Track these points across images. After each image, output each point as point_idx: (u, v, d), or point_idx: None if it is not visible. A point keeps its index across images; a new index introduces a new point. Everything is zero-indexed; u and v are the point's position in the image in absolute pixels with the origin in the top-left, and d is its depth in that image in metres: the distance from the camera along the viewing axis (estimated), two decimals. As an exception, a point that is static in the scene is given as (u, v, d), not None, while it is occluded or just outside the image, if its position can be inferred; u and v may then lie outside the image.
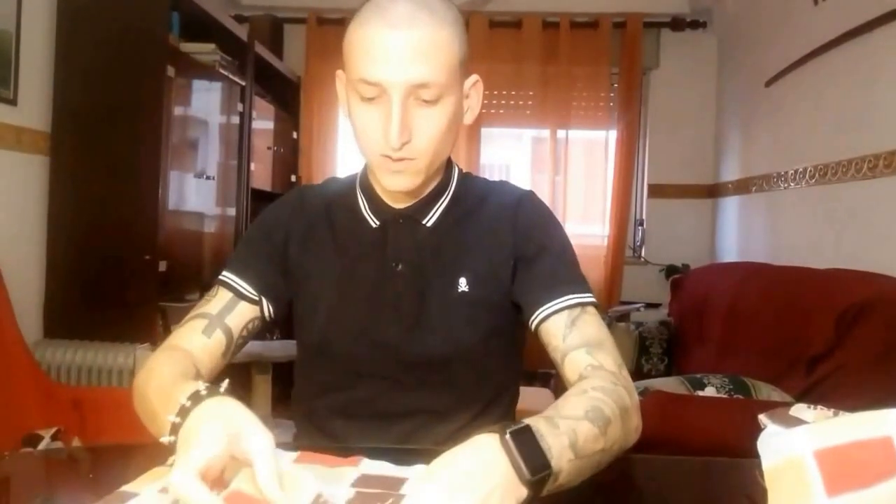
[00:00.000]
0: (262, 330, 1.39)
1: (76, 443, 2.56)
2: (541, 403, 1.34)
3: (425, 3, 1.15)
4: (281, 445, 1.04)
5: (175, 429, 0.94)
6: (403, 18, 1.13)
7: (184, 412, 0.94)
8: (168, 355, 1.23)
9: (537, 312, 1.26)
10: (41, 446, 2.41)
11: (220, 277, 1.33)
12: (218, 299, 1.31)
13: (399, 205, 1.35)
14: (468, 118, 1.31)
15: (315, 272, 1.36)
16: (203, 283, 3.92)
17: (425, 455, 0.95)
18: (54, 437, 2.51)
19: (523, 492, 0.89)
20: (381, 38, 1.13)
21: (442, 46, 1.15)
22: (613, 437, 1.04)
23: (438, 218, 1.35)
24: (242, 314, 1.30)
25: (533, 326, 1.28)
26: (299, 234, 1.38)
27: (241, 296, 1.31)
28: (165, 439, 0.95)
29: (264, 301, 1.33)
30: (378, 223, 1.35)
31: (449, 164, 1.40)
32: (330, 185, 1.48)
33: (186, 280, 3.73)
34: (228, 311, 1.29)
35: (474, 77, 1.29)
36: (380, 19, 1.13)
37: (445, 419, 1.33)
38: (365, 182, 1.39)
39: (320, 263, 1.36)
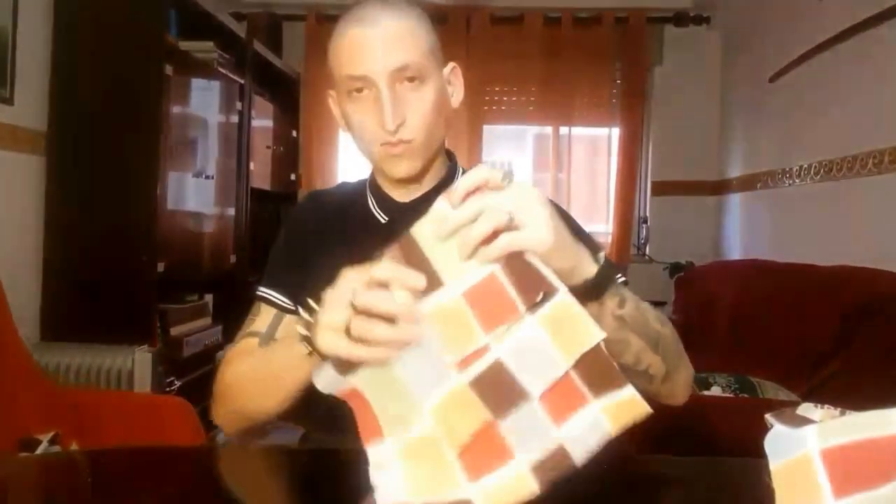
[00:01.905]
0: None
1: (74, 446, 2.53)
2: None
3: (389, 4, 1.30)
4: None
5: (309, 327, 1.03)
6: (372, 17, 1.27)
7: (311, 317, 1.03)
8: (238, 359, 1.31)
9: None
10: (39, 450, 2.40)
11: (259, 294, 1.41)
12: (262, 316, 1.38)
13: (405, 199, 1.43)
14: (455, 101, 1.42)
15: (327, 270, 1.36)
16: (202, 285, 3.92)
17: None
18: (52, 441, 2.49)
19: (587, 266, 1.05)
20: (357, 37, 1.27)
21: (411, 33, 1.28)
22: (672, 338, 1.19)
23: None
24: (287, 327, 1.35)
25: None
26: (315, 235, 1.46)
27: (282, 309, 1.38)
28: (302, 330, 1.04)
29: (299, 309, 1.35)
30: (386, 219, 1.44)
31: (452, 159, 1.49)
32: (341, 188, 1.58)
33: (185, 281, 3.71)
34: (275, 326, 1.36)
35: (451, 64, 1.41)
36: (354, 23, 1.28)
37: None
38: (373, 183, 1.48)
39: (333, 261, 1.36)
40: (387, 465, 0.99)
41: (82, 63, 3.33)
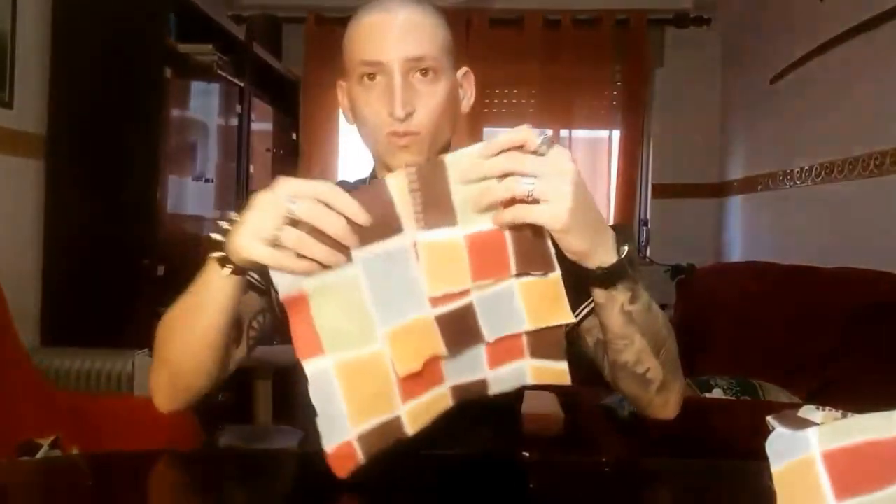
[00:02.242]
0: (272, 331, 1.36)
1: (74, 450, 2.52)
2: (544, 406, 1.39)
3: None
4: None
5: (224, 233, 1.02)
6: (393, 7, 1.26)
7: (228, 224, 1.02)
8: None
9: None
10: (40, 454, 2.40)
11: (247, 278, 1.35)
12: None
13: None
14: (465, 106, 1.41)
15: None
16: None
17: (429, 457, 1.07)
18: (53, 445, 2.48)
19: (605, 254, 1.04)
20: (376, 23, 1.25)
21: (431, 27, 1.28)
22: (674, 348, 1.20)
23: None
24: (250, 303, 1.29)
25: None
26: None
27: (249, 284, 1.27)
28: (217, 235, 1.03)
29: (273, 292, 1.27)
30: None
31: None
32: (340, 185, 1.51)
33: (185, 284, 3.65)
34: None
35: (464, 68, 1.40)
36: (373, 10, 1.27)
37: (447, 418, 1.30)
38: (373, 179, 1.45)
39: None
40: (326, 384, 1.01)
41: (82, 66, 3.32)
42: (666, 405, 1.22)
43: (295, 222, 0.93)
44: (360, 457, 1.04)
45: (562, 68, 5.22)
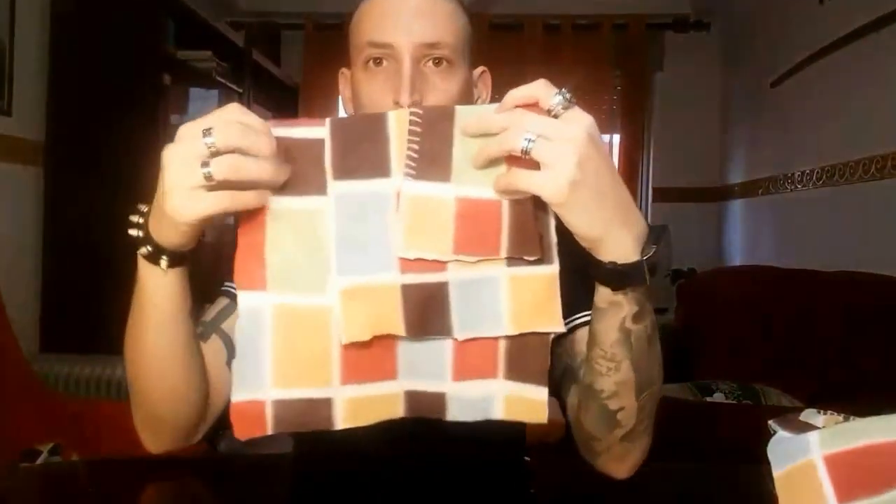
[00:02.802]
0: None
1: (75, 457, 2.52)
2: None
3: None
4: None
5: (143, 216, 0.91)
6: None
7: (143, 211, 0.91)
8: None
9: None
10: (40, 461, 2.40)
11: (222, 288, 1.21)
12: (214, 306, 1.19)
13: None
14: None
15: None
16: (200, 293, 3.89)
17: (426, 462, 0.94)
18: (53, 452, 2.48)
19: (620, 248, 0.87)
20: (389, 2, 1.14)
21: (450, 13, 1.15)
22: (657, 397, 1.01)
23: None
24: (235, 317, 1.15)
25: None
26: None
27: (231, 297, 1.17)
28: (134, 231, 0.92)
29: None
30: None
31: None
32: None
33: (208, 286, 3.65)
34: (224, 315, 1.16)
35: (481, 68, 1.28)
36: None
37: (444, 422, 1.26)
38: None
39: None
40: (257, 324, 0.89)
41: (80, 73, 3.31)
42: (624, 458, 1.04)
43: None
44: (269, 426, 0.90)
45: (562, 73, 5.21)
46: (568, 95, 0.83)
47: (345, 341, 0.87)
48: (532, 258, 0.88)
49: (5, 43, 3.06)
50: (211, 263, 0.96)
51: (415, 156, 0.86)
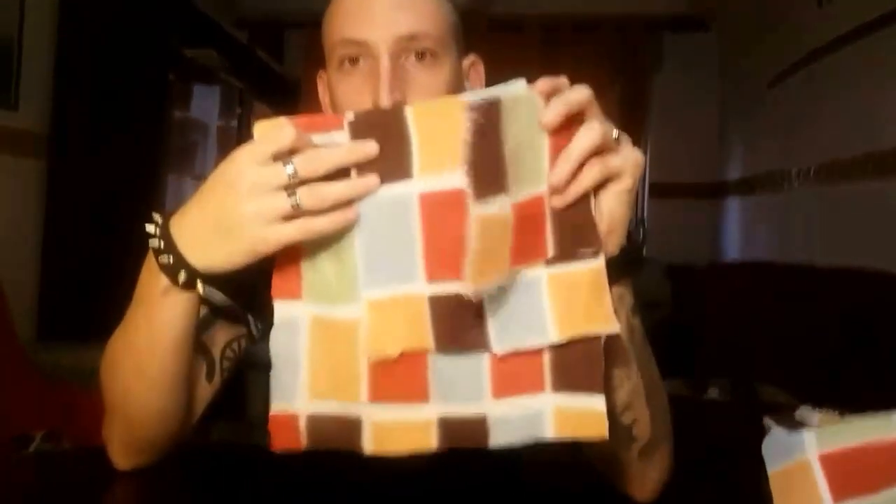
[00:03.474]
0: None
1: (67, 444, 2.53)
2: None
3: None
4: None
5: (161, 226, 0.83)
6: None
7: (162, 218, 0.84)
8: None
9: None
10: (32, 447, 2.40)
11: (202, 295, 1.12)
12: None
13: None
14: None
15: None
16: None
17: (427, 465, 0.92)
18: (45, 438, 2.49)
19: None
20: None
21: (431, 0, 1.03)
22: (664, 402, 0.96)
23: None
24: (221, 332, 1.07)
25: None
26: None
27: (217, 312, 1.07)
28: (154, 239, 0.84)
29: (251, 317, 1.10)
30: None
31: None
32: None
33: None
34: (204, 328, 1.04)
35: (472, 56, 1.16)
36: None
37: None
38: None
39: None
40: (294, 334, 0.83)
41: (86, 69, 3.34)
42: (643, 478, 0.97)
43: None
44: (303, 440, 0.83)
45: (561, 72, 5.12)
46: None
47: (371, 357, 0.81)
48: (591, 250, 0.79)
49: (13, 38, 3.08)
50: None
51: (471, 170, 0.77)
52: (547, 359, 0.81)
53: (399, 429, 0.83)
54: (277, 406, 0.83)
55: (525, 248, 0.79)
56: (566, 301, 0.79)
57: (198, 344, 1.00)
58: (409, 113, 0.78)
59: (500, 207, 0.77)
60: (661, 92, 5.40)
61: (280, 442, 0.83)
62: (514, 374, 0.82)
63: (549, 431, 0.80)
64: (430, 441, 0.83)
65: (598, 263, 0.79)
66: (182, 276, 0.82)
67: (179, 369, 0.92)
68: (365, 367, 0.82)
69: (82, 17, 3.35)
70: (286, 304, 0.83)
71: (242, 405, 3.77)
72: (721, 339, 3.61)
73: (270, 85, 4.86)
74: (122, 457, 1.01)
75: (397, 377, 0.82)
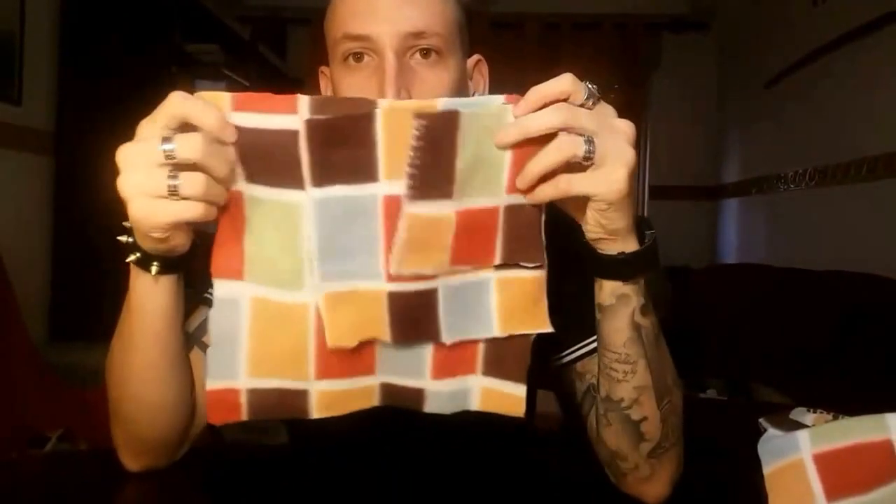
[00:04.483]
0: None
1: (83, 445, 2.54)
2: (545, 405, 1.28)
3: None
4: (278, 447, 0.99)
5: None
6: None
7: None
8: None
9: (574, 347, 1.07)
10: (48, 447, 2.41)
11: (203, 296, 1.08)
12: (194, 317, 1.07)
13: None
14: None
15: None
16: (210, 283, 3.85)
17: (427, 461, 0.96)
18: (61, 438, 2.49)
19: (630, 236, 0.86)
20: None
21: None
22: (680, 405, 0.97)
23: None
24: None
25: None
26: None
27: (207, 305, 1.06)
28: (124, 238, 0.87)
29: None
30: None
31: None
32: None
33: (194, 279, 3.64)
34: (206, 328, 1.01)
35: (477, 56, 1.15)
36: None
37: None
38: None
39: None
40: (233, 314, 0.84)
41: (89, 64, 3.34)
42: (652, 478, 0.96)
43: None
44: (244, 413, 0.86)
45: (560, 71, 5.15)
46: (594, 87, 0.80)
47: (330, 346, 0.84)
48: (532, 265, 0.85)
49: (16, 34, 3.08)
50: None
51: (415, 172, 0.78)
52: (481, 349, 0.89)
53: (344, 394, 0.88)
54: (215, 382, 0.85)
55: (472, 252, 0.83)
56: (509, 302, 0.86)
57: (201, 344, 1.01)
58: (378, 119, 0.77)
59: (437, 210, 0.79)
60: (659, 91, 5.39)
61: (218, 416, 0.86)
62: (451, 361, 0.90)
63: (475, 405, 0.91)
64: (371, 400, 0.91)
65: (540, 273, 0.85)
66: (136, 259, 0.86)
67: (165, 361, 0.92)
68: (313, 349, 0.85)
69: (84, 12, 3.35)
70: (226, 283, 0.84)
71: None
72: (718, 340, 3.61)
73: (273, 81, 4.85)
74: (128, 457, 1.01)
75: (346, 358, 0.86)
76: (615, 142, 0.77)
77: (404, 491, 1.02)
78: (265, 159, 0.78)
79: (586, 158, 0.76)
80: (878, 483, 0.81)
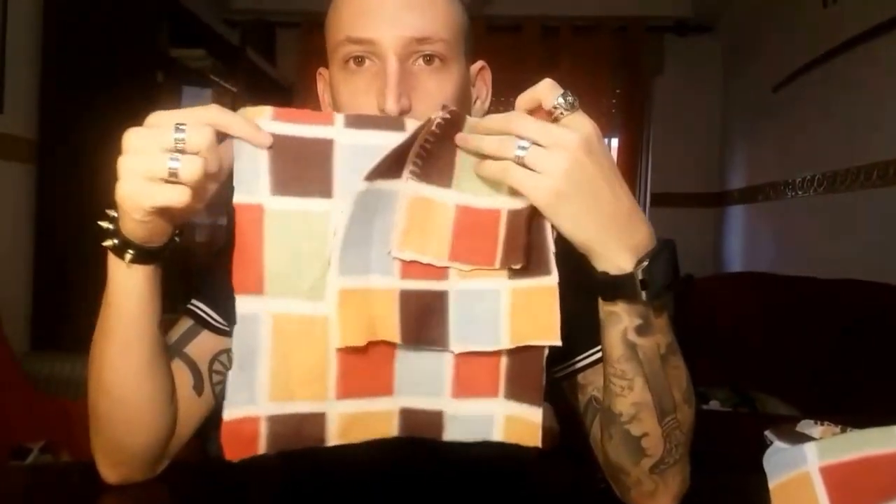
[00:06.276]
0: None
1: (65, 456, 2.53)
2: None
3: None
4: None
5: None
6: None
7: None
8: None
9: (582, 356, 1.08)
10: (30, 459, 2.40)
11: (188, 306, 1.11)
12: (177, 327, 1.09)
13: None
14: (478, 109, 1.17)
15: None
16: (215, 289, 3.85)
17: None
18: (43, 450, 2.48)
19: (616, 260, 0.84)
20: None
21: (441, 1, 1.01)
22: (689, 424, 0.98)
23: None
24: (205, 345, 1.07)
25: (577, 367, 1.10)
26: None
27: (204, 323, 1.08)
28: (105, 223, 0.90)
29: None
30: None
31: None
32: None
33: (176, 290, 3.62)
34: (189, 338, 1.07)
35: (480, 63, 1.15)
36: None
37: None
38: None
39: None
40: (254, 332, 0.84)
41: (73, 70, 3.30)
42: (655, 494, 0.96)
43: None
44: (262, 445, 0.86)
45: (560, 76, 5.11)
46: (570, 98, 0.81)
47: (339, 344, 0.85)
48: (517, 266, 0.86)
49: (-3, 41, 3.04)
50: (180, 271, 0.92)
51: (422, 157, 0.84)
52: (502, 365, 0.89)
53: (363, 419, 0.89)
54: (234, 411, 0.84)
55: (472, 251, 0.87)
56: (520, 313, 0.87)
57: (183, 355, 1.04)
58: (410, 128, 0.84)
59: (435, 195, 0.86)
60: (662, 96, 5.39)
61: (236, 451, 0.85)
62: (472, 376, 0.90)
63: (498, 435, 0.90)
64: (391, 429, 0.91)
65: (551, 282, 0.86)
66: (113, 245, 0.88)
67: (141, 359, 0.93)
68: (334, 363, 0.86)
69: (67, 17, 3.31)
70: (248, 299, 0.84)
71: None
72: (723, 349, 3.59)
73: (262, 86, 4.82)
74: (106, 466, 1.00)
75: (364, 372, 0.88)
76: (556, 156, 0.78)
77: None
78: (298, 165, 0.83)
79: (517, 160, 0.79)
80: (886, 497, 0.81)
